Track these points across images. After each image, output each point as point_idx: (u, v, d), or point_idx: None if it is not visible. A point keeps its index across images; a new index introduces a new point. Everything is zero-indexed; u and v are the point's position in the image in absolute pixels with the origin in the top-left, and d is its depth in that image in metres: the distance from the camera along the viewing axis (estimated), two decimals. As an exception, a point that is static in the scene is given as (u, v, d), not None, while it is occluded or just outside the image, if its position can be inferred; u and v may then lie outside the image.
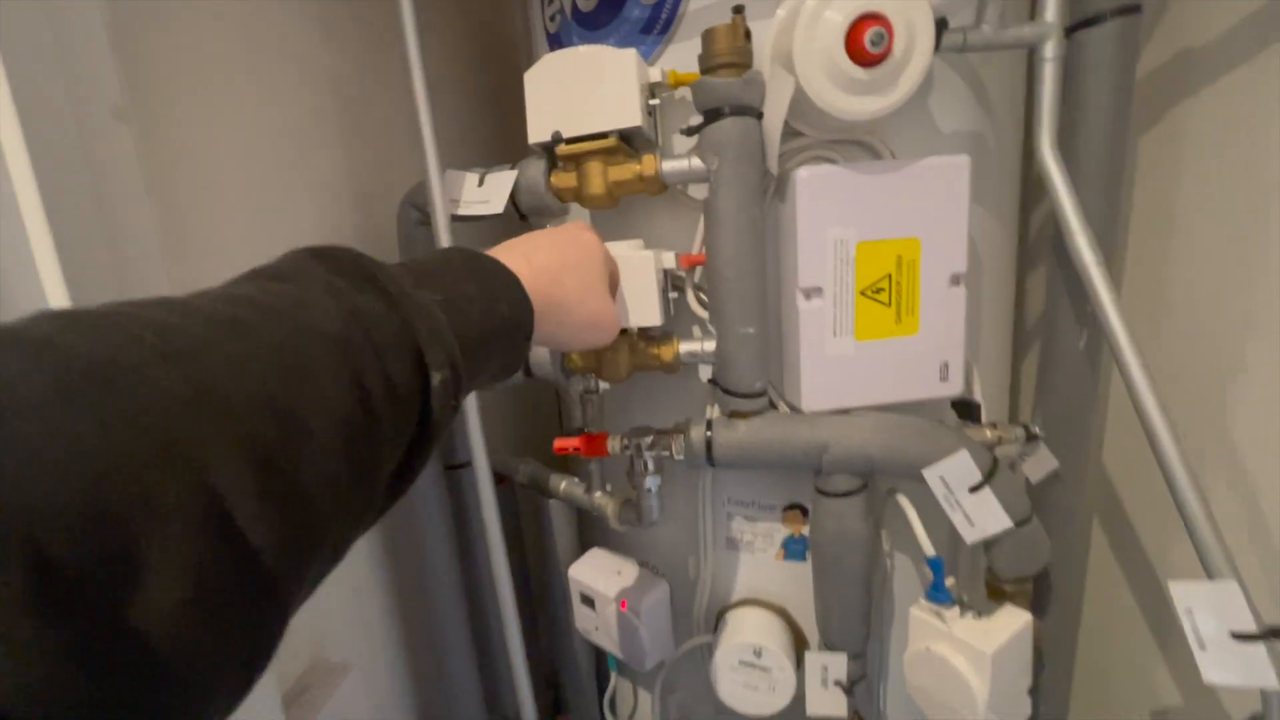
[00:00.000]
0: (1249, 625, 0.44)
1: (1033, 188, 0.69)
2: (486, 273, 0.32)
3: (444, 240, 0.59)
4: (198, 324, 0.19)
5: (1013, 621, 0.54)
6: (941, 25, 0.47)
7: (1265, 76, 0.51)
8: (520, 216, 0.62)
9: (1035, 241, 0.72)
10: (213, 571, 0.17)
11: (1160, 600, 0.65)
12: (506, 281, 0.33)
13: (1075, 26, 0.51)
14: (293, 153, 0.64)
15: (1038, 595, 0.61)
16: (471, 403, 0.64)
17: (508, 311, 0.32)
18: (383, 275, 0.26)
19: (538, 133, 0.55)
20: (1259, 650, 0.43)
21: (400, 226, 0.70)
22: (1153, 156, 0.61)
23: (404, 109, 0.57)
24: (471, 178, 0.61)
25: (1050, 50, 0.50)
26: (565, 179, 0.57)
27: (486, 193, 0.60)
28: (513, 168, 0.60)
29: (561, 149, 0.54)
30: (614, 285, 0.46)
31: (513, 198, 0.60)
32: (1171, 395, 0.49)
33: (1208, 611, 0.45)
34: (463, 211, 0.61)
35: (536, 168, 0.58)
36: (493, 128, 0.99)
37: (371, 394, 0.23)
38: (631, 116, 0.52)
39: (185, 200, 0.51)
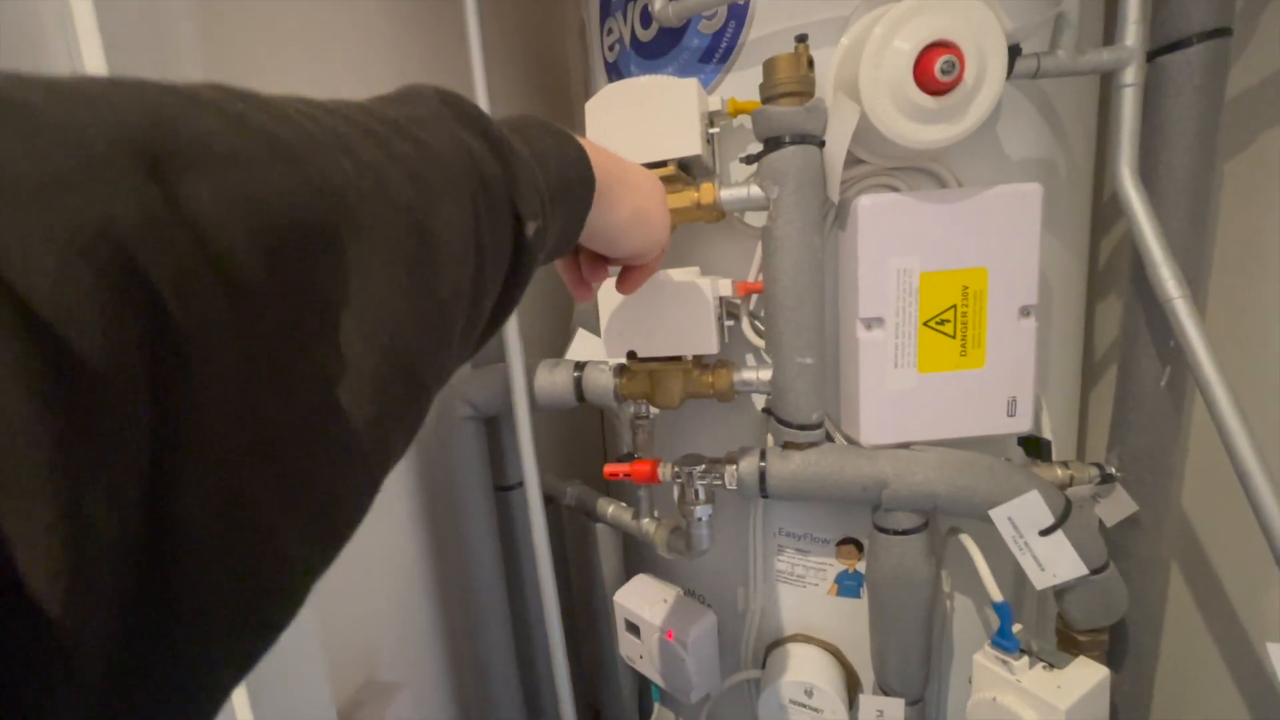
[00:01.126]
0: (1362, 696, 0.40)
1: (1103, 214, 0.66)
2: (560, 137, 0.32)
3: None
4: (340, 123, 0.20)
5: (1088, 676, 0.51)
6: (1014, 52, 0.46)
7: (1371, 101, 0.48)
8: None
9: (1105, 269, 0.69)
10: (378, 360, 0.18)
11: (1248, 658, 0.60)
12: (576, 147, 0.33)
13: (1159, 50, 0.49)
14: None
15: (1111, 647, 0.58)
16: (524, 425, 0.64)
17: (576, 175, 0.32)
18: (487, 120, 0.26)
19: (597, 161, 0.56)
20: (1374, 725, 0.40)
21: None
22: (1240, 182, 0.58)
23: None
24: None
25: (1131, 76, 0.48)
26: (623, 206, 0.57)
27: (544, 219, 0.61)
28: (571, 194, 0.61)
29: (620, 177, 0.55)
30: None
31: (570, 224, 0.60)
32: (1263, 436, 0.45)
33: (1313, 678, 0.41)
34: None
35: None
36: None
37: (482, 227, 0.23)
38: (691, 145, 0.52)
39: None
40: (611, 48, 0.66)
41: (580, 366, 0.65)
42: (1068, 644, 0.55)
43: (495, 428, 0.74)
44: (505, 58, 0.90)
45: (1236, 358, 0.58)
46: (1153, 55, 0.49)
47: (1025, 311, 0.52)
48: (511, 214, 0.26)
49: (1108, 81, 0.51)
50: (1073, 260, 0.60)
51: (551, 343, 0.91)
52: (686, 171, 0.55)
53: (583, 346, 0.66)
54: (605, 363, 0.63)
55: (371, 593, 0.65)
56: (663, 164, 0.53)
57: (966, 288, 0.51)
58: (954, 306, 0.52)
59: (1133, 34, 0.47)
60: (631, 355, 0.58)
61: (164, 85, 0.15)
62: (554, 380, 0.66)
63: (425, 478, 0.74)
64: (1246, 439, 0.45)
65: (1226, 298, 0.59)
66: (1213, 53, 0.47)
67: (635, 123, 0.53)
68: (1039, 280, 0.52)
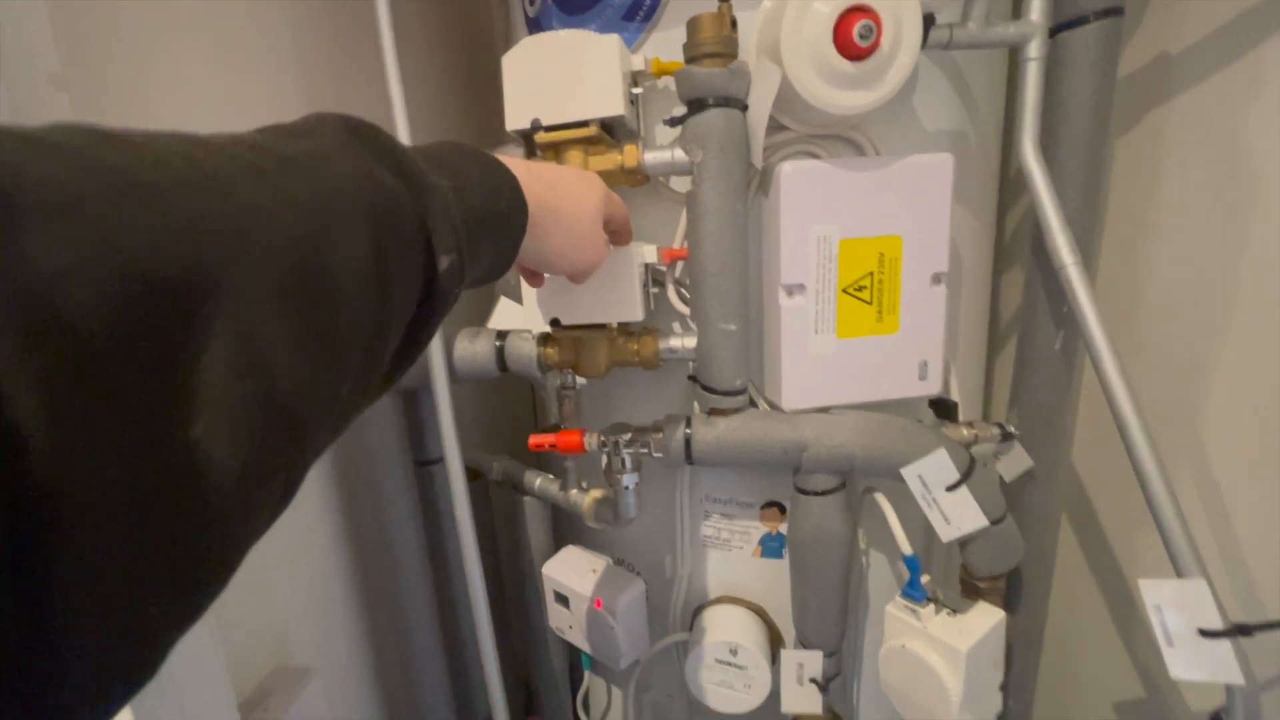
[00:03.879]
0: (1215, 622, 0.45)
1: (1010, 187, 0.69)
2: (489, 166, 0.32)
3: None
4: (224, 162, 0.19)
5: (986, 619, 0.54)
6: (929, 21, 0.47)
7: (1243, 81, 0.51)
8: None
9: (1010, 241, 0.73)
10: (250, 407, 0.17)
11: (1125, 596, 0.67)
12: (506, 177, 0.33)
13: (1059, 27, 0.51)
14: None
15: (1008, 591, 0.62)
16: (443, 397, 0.62)
17: (506, 206, 0.32)
18: (399, 151, 0.26)
19: (516, 119, 0.53)
20: (1224, 646, 0.44)
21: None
22: (1130, 159, 0.62)
23: (376, 95, 0.55)
24: (446, 164, 0.59)
25: (1034, 50, 0.49)
26: (544, 168, 0.55)
27: (462, 180, 0.58)
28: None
29: (541, 137, 0.53)
30: (621, 225, 0.47)
31: (489, 186, 0.58)
32: (1143, 396, 0.49)
33: (1176, 609, 0.46)
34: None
35: (515, 156, 0.56)
36: (467, 115, 0.96)
37: (388, 261, 0.23)
38: (614, 105, 0.50)
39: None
40: (532, 1, 0.62)
41: (503, 335, 0.63)
42: (970, 591, 0.58)
43: (414, 400, 0.71)
44: (416, 10, 0.84)
45: (1123, 323, 0.63)
46: (1054, 31, 0.51)
47: (937, 279, 0.54)
48: (424, 247, 0.25)
49: (1015, 58, 0.53)
50: (981, 230, 0.63)
51: (472, 311, 0.88)
52: (610, 133, 0.54)
53: (505, 315, 0.64)
54: (529, 331, 0.61)
55: (282, 574, 0.61)
56: (585, 124, 0.51)
57: (883, 255, 0.53)
58: (871, 274, 0.53)
59: (1037, 9, 0.49)
60: (555, 323, 0.57)
61: (1, 130, 0.14)
62: (475, 350, 0.63)
63: (339, 453, 0.70)
64: (1129, 401, 0.49)
65: (1115, 267, 0.64)
66: (1106, 31, 0.50)
67: (555, 80, 0.51)
68: (950, 249, 0.54)
